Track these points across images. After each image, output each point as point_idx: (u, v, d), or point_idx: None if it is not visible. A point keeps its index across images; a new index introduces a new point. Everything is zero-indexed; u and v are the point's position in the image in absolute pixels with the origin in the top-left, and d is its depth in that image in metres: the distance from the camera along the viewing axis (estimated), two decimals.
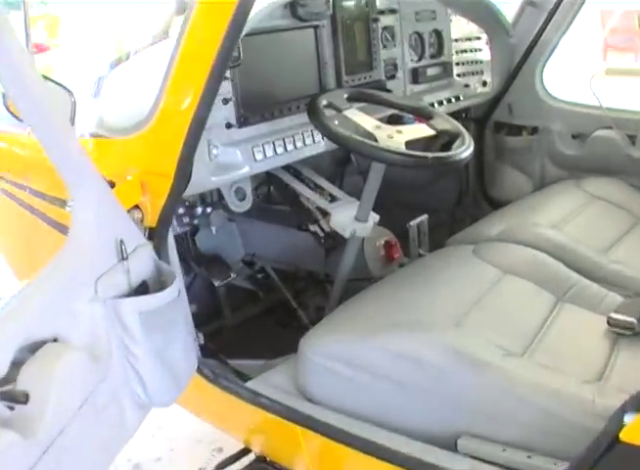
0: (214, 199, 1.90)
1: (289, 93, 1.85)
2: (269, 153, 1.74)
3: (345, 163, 2.39)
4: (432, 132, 1.74)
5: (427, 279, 1.68)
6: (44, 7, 7.90)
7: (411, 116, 1.90)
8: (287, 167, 1.98)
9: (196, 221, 1.95)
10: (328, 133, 1.62)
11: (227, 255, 2.18)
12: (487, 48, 2.48)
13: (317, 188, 1.98)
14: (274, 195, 2.16)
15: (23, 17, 2.04)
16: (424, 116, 1.83)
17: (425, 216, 2.09)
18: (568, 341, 1.49)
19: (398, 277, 1.78)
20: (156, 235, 1.55)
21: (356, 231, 1.83)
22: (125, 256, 1.39)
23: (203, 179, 1.60)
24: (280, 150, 1.77)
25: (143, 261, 1.46)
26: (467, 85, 2.46)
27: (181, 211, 1.86)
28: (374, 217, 1.88)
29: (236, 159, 1.69)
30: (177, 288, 1.46)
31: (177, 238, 1.95)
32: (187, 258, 2.06)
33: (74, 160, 1.26)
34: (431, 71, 2.34)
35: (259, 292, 2.33)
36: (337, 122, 1.62)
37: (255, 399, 1.57)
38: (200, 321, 1.74)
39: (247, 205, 1.90)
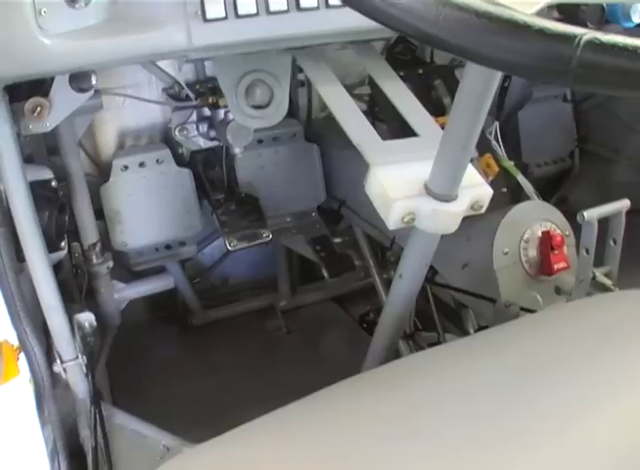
0: None
1: None
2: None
3: None
4: None
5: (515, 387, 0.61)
6: None
7: None
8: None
9: (212, 134, 1.23)
10: None
11: (293, 196, 1.43)
12: None
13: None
14: None
15: None
16: None
17: (623, 203, 0.94)
18: None
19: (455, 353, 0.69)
20: None
21: (416, 219, 0.76)
22: None
23: (35, 48, 0.69)
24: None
25: None
26: None
27: (207, 113, 1.23)
28: (477, 187, 0.78)
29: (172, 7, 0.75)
30: None
31: (205, 158, 1.33)
32: (210, 196, 1.34)
33: None
34: None
35: (325, 269, 1.48)
36: None
37: None
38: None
39: (272, 117, 0.99)
